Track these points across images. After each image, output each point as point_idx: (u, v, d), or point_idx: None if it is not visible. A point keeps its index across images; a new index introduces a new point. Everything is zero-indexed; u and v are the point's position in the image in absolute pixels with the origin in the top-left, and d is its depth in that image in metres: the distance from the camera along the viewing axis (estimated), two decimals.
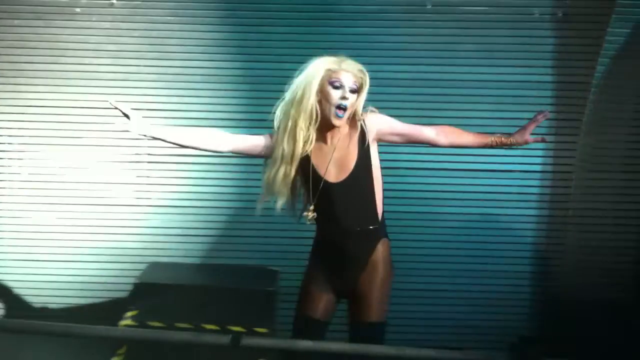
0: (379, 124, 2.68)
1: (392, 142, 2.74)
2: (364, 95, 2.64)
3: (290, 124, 2.59)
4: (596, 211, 3.89)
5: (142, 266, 3.83)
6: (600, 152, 3.84)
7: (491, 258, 3.92)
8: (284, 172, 2.61)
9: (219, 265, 3.94)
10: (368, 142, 2.65)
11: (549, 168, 3.92)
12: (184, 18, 3.94)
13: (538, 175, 3.91)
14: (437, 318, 3.98)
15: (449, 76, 3.92)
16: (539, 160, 3.90)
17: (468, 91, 3.91)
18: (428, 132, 2.71)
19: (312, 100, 2.58)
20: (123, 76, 3.97)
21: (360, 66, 2.65)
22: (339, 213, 2.65)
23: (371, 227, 2.65)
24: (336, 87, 2.59)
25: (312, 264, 2.74)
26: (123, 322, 3.32)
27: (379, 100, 3.84)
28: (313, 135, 2.62)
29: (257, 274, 3.80)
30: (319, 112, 2.60)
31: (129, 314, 3.38)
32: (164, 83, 3.97)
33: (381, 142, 2.70)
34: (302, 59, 3.80)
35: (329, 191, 2.64)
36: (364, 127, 2.66)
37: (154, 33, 3.97)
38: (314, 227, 2.72)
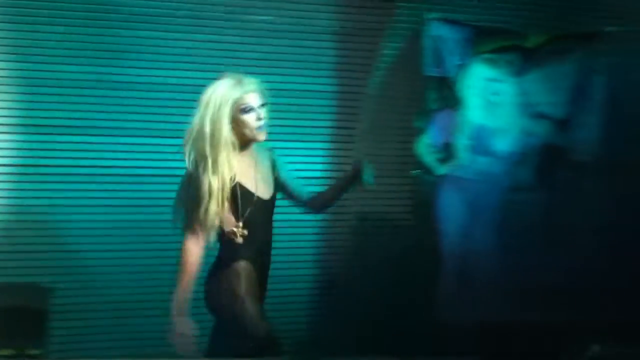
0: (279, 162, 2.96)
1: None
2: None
3: (210, 160, 2.62)
4: (374, 214, 4.11)
5: None
6: (375, 159, 4.06)
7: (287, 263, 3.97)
8: (216, 205, 2.65)
9: None
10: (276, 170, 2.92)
11: (327, 174, 4.07)
12: None
13: (319, 181, 4.03)
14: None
15: None
16: (319, 166, 4.02)
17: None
18: (306, 194, 3.05)
19: (225, 133, 2.63)
20: None
21: (255, 79, 2.80)
22: (268, 227, 2.87)
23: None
24: (249, 112, 2.70)
25: (241, 284, 2.74)
26: None
27: (163, 106, 3.82)
28: (235, 161, 2.70)
29: (26, 292, 3.52)
30: (235, 140, 2.69)
31: None
32: None
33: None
34: (78, 61, 3.70)
35: (262, 207, 2.80)
36: (272, 156, 2.93)
37: None
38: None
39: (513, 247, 4.06)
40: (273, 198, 2.88)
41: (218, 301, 2.77)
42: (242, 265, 2.77)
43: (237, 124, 2.70)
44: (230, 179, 2.67)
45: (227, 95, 2.66)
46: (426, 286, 3.91)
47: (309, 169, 3.98)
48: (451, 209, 3.97)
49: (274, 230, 2.99)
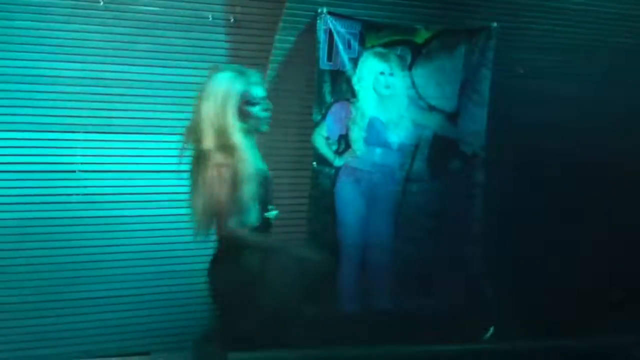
0: None
1: None
2: None
3: (233, 149, 2.64)
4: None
5: None
6: (273, 152, 4.01)
7: (164, 259, 3.85)
8: (252, 188, 2.65)
9: None
10: None
11: None
12: None
13: None
14: (115, 325, 3.80)
15: (122, 75, 3.77)
16: None
17: (142, 92, 3.81)
18: None
19: (236, 124, 2.66)
20: None
21: (256, 71, 2.81)
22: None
23: None
24: (255, 104, 2.72)
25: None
26: None
27: (44, 99, 3.61)
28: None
29: None
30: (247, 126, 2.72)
31: None
32: None
33: None
34: None
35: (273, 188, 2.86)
36: None
37: None
38: None
39: (407, 236, 4.16)
40: None
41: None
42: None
43: (243, 116, 2.70)
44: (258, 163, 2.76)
45: (232, 89, 2.67)
46: (326, 276, 3.93)
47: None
48: (348, 199, 4.01)
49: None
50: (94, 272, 3.74)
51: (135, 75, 3.79)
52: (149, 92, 3.80)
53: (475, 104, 4.21)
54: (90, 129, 3.72)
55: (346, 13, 3.99)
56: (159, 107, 3.83)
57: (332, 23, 3.94)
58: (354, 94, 4.02)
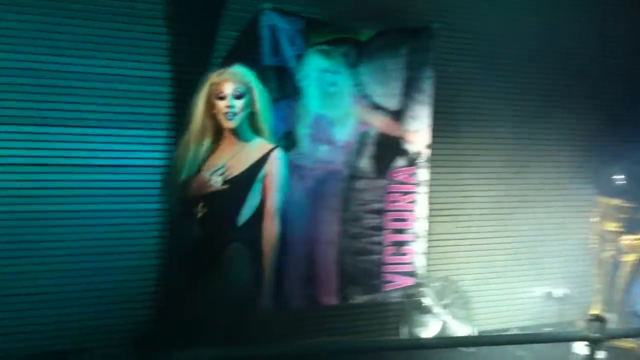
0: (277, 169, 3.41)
1: None
2: (255, 96, 3.32)
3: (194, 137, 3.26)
4: None
5: None
6: None
7: (116, 254, 3.71)
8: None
9: None
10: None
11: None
12: None
13: (159, 170, 3.80)
14: (62, 321, 3.64)
15: (65, 68, 3.64)
16: (159, 155, 3.79)
17: (83, 84, 3.67)
18: None
19: (199, 117, 3.25)
20: None
21: (241, 71, 3.29)
22: None
23: None
24: (221, 98, 3.18)
25: None
26: None
27: None
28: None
29: None
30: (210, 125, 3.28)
31: None
32: None
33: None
34: None
35: None
36: (269, 155, 3.37)
37: None
38: None
39: (351, 233, 4.16)
40: None
41: None
42: None
43: (214, 108, 3.26)
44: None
45: (207, 81, 3.21)
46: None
47: (150, 157, 3.78)
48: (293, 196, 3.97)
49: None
50: (29, 268, 3.59)
51: (76, 67, 3.66)
52: (93, 84, 3.68)
53: (418, 103, 4.27)
54: (29, 121, 3.56)
55: (288, 9, 3.96)
56: (98, 99, 3.69)
57: (275, 19, 3.91)
58: (299, 91, 3.99)
